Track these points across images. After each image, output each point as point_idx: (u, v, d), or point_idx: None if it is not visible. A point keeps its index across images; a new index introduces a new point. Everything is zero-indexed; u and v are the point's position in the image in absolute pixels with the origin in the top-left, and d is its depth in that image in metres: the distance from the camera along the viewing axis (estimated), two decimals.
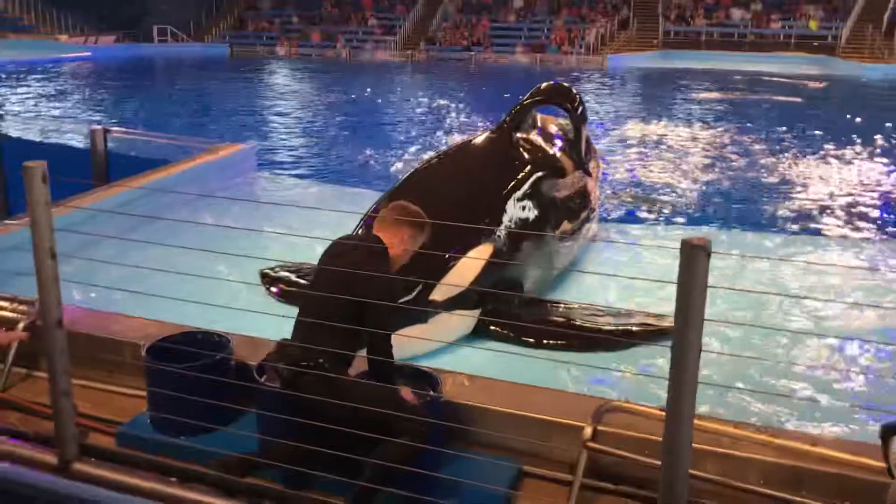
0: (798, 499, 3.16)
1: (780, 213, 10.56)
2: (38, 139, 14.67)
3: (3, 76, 26.27)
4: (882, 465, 2.47)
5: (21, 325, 4.36)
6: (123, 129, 11.83)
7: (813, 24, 37.10)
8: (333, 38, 41.08)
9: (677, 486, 2.46)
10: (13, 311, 4.54)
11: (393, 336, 5.07)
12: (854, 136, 16.46)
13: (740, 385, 5.00)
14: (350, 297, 3.39)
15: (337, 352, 3.36)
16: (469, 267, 5.91)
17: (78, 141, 13.40)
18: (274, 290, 6.74)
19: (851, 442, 3.53)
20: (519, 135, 7.81)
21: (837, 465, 3.25)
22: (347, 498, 3.23)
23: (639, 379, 4.93)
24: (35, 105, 20.75)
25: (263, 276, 6.91)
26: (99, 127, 9.62)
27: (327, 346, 3.33)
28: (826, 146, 15.52)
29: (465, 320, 5.93)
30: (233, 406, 3.78)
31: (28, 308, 4.47)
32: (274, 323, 5.25)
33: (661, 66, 34.12)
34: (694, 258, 2.26)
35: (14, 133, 15.12)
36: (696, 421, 2.52)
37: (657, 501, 2.56)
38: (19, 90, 23.38)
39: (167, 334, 4.09)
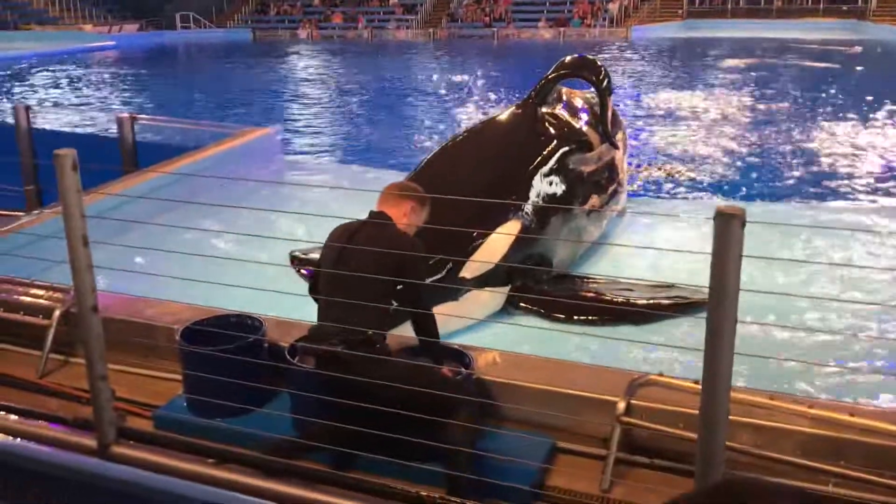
0: (837, 469, 3.12)
1: (813, 181, 10.39)
2: (67, 129, 14.82)
3: (30, 68, 26.56)
4: None
5: (57, 313, 4.43)
6: (150, 117, 11.92)
7: None
8: (355, 18, 40.98)
9: (714, 458, 2.44)
10: (49, 299, 4.61)
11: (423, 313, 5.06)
12: (886, 101, 16.11)
13: (777, 356, 4.95)
14: (384, 276, 3.37)
15: (372, 332, 3.37)
16: (498, 243, 5.89)
17: (106, 130, 13.52)
18: (304, 271, 6.77)
19: (892, 411, 3.48)
20: (544, 109, 7.74)
21: (878, 435, 3.20)
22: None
23: (672, 352, 4.89)
24: (63, 95, 20.97)
25: (293, 258, 6.95)
26: (126, 115, 9.69)
27: (361, 325, 3.32)
28: (857, 112, 15.23)
29: (495, 297, 5.92)
30: (267, 387, 3.82)
31: (63, 296, 4.53)
32: (306, 304, 5.30)
33: (686, 36, 33.65)
34: (728, 227, 2.22)
35: (43, 124, 15.29)
36: (731, 392, 2.50)
37: (694, 474, 2.55)
38: (46, 81, 23.64)
39: (201, 318, 4.13)
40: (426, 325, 3.59)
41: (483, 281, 5.80)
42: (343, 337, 3.35)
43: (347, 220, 3.79)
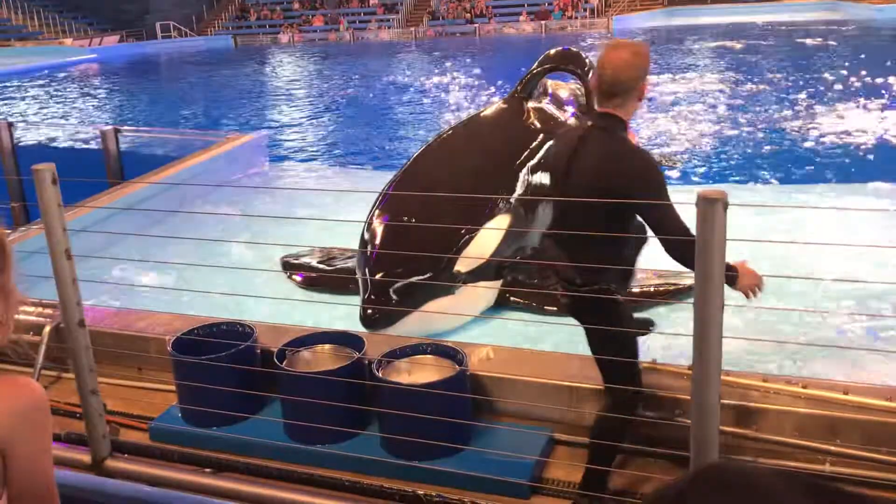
0: (833, 448, 3.13)
1: (797, 163, 10.42)
2: (51, 144, 14.76)
3: (12, 84, 26.43)
4: None
5: (47, 329, 4.40)
6: (134, 128, 11.88)
7: None
8: (336, 21, 40.90)
9: (708, 443, 2.44)
10: (39, 315, 4.58)
11: (417, 311, 5.06)
12: (867, 80, 16.18)
13: (767, 337, 4.95)
14: (614, 195, 2.91)
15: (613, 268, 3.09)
16: (489, 238, 5.89)
17: (91, 143, 13.48)
18: (297, 276, 6.76)
19: (886, 388, 3.49)
20: (531, 103, 7.75)
21: (872, 412, 3.21)
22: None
23: (665, 339, 4.90)
24: (45, 110, 20.87)
25: (285, 263, 6.93)
26: (109, 127, 9.65)
27: (597, 260, 3.08)
28: (839, 93, 15.28)
29: (487, 292, 5.92)
30: (262, 393, 3.81)
31: (53, 311, 4.50)
32: (296, 309, 5.29)
33: (667, 24, 33.70)
34: (711, 211, 2.22)
35: (27, 140, 15.23)
36: (724, 377, 2.50)
37: (689, 460, 2.55)
38: (29, 97, 23.52)
39: (191, 327, 4.12)
40: (680, 247, 2.77)
41: (476, 276, 5.80)
42: (585, 278, 3.14)
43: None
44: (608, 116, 3.11)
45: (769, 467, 0.75)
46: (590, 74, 8.47)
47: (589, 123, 3.33)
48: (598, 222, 3.00)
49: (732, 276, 2.80)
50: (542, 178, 6.84)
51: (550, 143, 3.63)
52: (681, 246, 2.70)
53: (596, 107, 3.20)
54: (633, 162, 3.07)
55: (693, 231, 2.37)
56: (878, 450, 3.06)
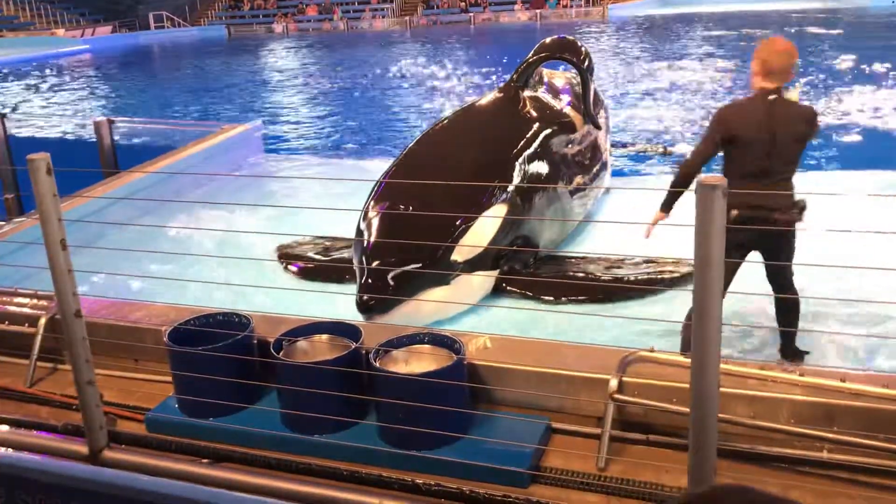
0: (831, 435, 3.13)
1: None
2: (45, 136, 14.70)
3: (3, 75, 26.29)
4: None
5: (43, 320, 4.38)
6: (128, 119, 11.83)
7: None
8: (330, 10, 40.73)
9: (707, 431, 2.44)
10: (34, 306, 4.56)
11: (413, 300, 5.07)
12: (861, 68, 16.18)
13: (766, 324, 4.96)
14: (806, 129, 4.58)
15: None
16: (485, 227, 5.88)
17: (85, 134, 13.42)
18: (293, 266, 6.75)
19: (883, 375, 3.49)
20: (527, 92, 7.73)
21: (869, 398, 3.22)
22: None
23: (663, 327, 4.90)
24: (39, 102, 20.77)
25: (281, 253, 6.92)
26: (103, 118, 9.61)
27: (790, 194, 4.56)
28: (834, 81, 15.27)
29: (485, 281, 5.92)
30: (259, 383, 3.80)
31: (48, 303, 4.48)
32: (293, 299, 5.28)
33: (662, 12, 33.66)
34: (710, 197, 2.21)
35: (20, 132, 15.17)
36: (722, 365, 2.49)
37: (688, 448, 2.55)
38: (21, 89, 23.40)
39: (188, 318, 4.10)
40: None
41: (473, 265, 5.79)
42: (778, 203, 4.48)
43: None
44: (778, 89, 4.56)
45: (775, 495, 0.75)
46: (586, 63, 8.46)
47: (771, 96, 4.55)
48: (796, 161, 4.61)
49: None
50: (546, 166, 6.83)
51: (725, 109, 4.84)
52: None
53: (767, 84, 4.53)
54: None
55: None
56: (875, 436, 3.06)
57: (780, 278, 4.66)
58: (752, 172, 4.50)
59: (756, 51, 4.57)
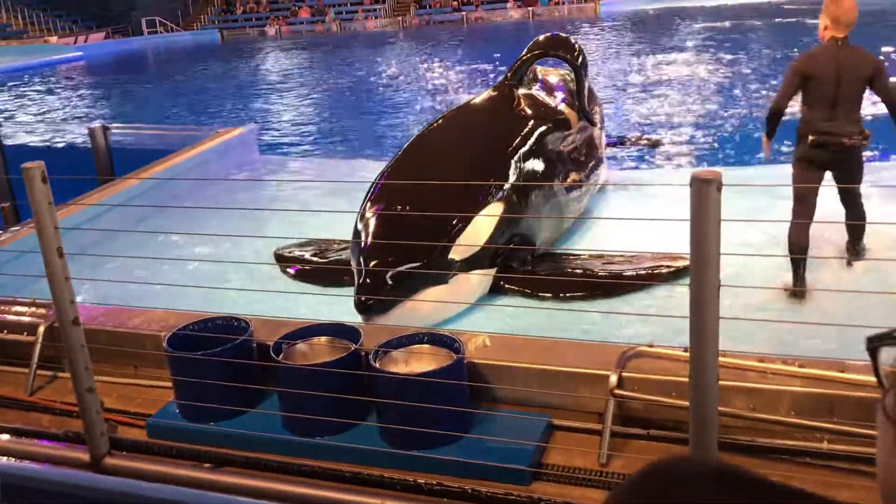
0: (830, 425, 3.14)
1: (787, 143, 10.42)
2: (40, 144, 14.68)
3: None
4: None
5: (41, 328, 4.38)
6: (122, 125, 11.81)
7: None
8: (322, 12, 40.71)
9: (707, 424, 2.45)
10: (32, 315, 4.56)
11: (411, 300, 5.06)
12: None
13: (763, 317, 4.96)
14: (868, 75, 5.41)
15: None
16: (482, 226, 5.88)
17: (80, 141, 13.41)
18: (290, 269, 6.74)
19: (883, 365, 3.49)
20: (521, 90, 7.73)
21: (867, 388, 3.22)
22: None
23: (661, 322, 4.90)
24: (33, 110, 20.74)
25: (278, 256, 6.91)
26: (97, 125, 9.60)
27: (858, 120, 5.45)
28: None
29: (482, 280, 5.92)
30: (258, 387, 3.80)
31: (47, 311, 4.48)
32: (292, 302, 5.28)
33: (654, 7, 33.64)
34: (705, 192, 2.22)
35: (16, 140, 15.15)
36: (720, 358, 2.50)
37: (688, 442, 2.55)
38: (15, 97, 23.36)
39: (186, 323, 4.10)
40: None
41: (470, 264, 5.79)
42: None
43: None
44: (846, 38, 5.44)
45: (709, 460, 0.76)
46: (580, 59, 8.46)
47: (840, 43, 5.44)
48: (860, 93, 5.47)
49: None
50: (542, 164, 6.83)
51: (803, 55, 5.80)
52: None
53: (837, 34, 5.43)
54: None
55: None
56: (874, 426, 3.07)
57: (851, 198, 5.62)
58: (824, 104, 5.39)
59: (825, 6, 5.45)
